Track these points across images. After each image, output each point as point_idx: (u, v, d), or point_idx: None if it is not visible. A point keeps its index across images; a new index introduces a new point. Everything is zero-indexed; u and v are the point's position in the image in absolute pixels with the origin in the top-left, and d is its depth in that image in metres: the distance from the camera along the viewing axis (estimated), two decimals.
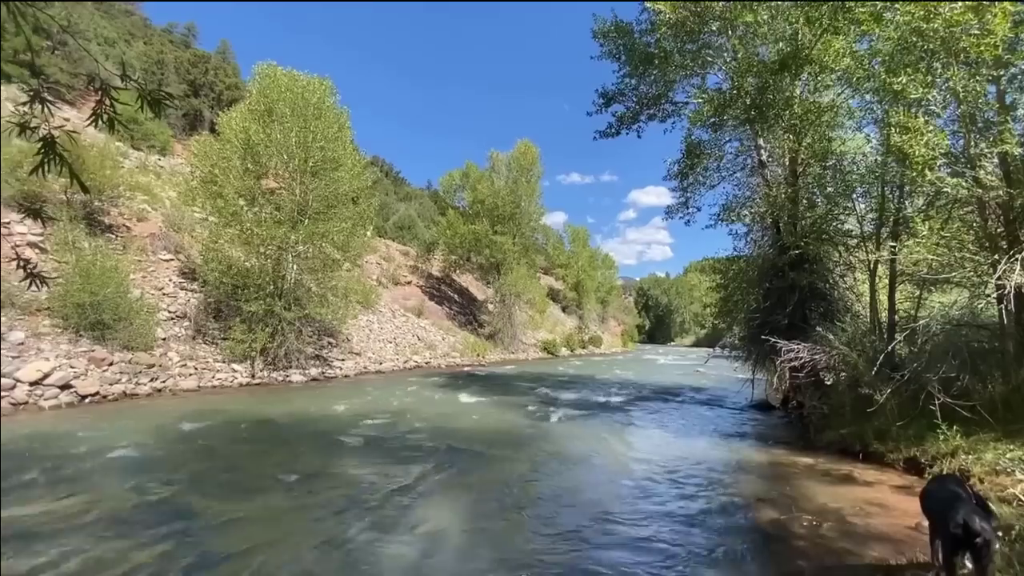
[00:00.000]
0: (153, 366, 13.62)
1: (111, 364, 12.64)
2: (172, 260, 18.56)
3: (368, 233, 22.77)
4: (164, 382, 13.43)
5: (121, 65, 1.97)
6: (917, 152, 7.11)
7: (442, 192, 45.36)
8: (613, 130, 13.65)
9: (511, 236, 36.29)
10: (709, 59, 12.22)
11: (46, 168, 1.93)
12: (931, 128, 7.34)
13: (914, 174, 7.35)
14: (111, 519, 5.16)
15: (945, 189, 7.37)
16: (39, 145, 2.04)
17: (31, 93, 1.89)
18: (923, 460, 7.14)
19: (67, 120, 2.13)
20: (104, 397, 11.72)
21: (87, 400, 11.35)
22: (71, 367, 11.70)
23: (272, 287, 16.87)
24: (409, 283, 35.34)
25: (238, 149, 16.90)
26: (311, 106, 17.69)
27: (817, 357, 9.21)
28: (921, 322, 8.65)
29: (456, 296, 39.67)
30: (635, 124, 13.49)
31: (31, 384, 10.70)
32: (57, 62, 27.83)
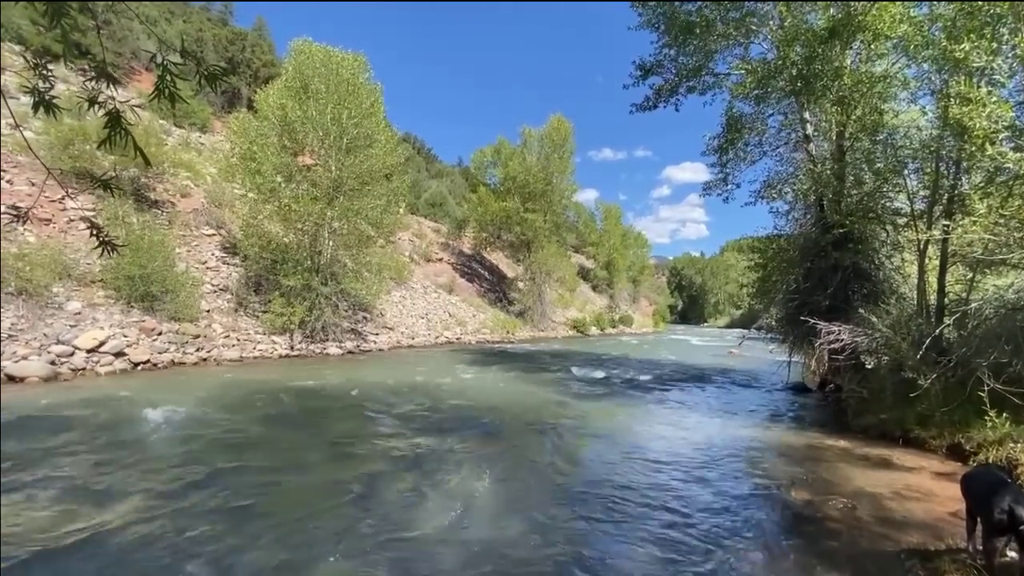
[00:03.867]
0: (198, 336, 14.26)
1: (160, 334, 13.29)
2: (214, 235, 19.20)
3: (401, 210, 23.00)
4: (209, 352, 14.06)
5: (180, 42, 2.04)
6: (978, 125, 6.68)
7: (473, 169, 45.19)
8: (650, 103, 13.29)
9: (542, 213, 36.03)
10: (753, 27, 11.69)
11: (113, 142, 2.03)
12: (995, 99, 6.87)
13: (973, 148, 6.93)
14: (158, 481, 5.50)
15: (1007, 165, 6.93)
16: (99, 120, 2.14)
17: (96, 71, 1.98)
18: (968, 447, 6.92)
19: (117, 99, 2.22)
20: (155, 365, 12.36)
21: (139, 367, 12.00)
22: (124, 336, 12.35)
23: (309, 262, 17.32)
24: (440, 260, 35.66)
25: (275, 126, 17.23)
26: (345, 82, 17.80)
27: (859, 340, 8.93)
28: (973, 305, 8.26)
29: (486, 273, 39.88)
30: (673, 97, 13.09)
31: (88, 351, 11.36)
32: (99, 40, 28.60)
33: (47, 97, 1.90)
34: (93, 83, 2.01)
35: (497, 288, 38.21)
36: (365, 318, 21.20)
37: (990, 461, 6.12)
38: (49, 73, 1.95)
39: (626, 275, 56.79)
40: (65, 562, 3.79)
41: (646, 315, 62.47)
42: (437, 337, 24.60)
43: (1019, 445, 6.26)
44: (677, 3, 12.01)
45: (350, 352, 17.78)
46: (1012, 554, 3.58)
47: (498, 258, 42.89)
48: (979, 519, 3.82)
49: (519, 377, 14.72)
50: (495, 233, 38.02)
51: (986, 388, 6.81)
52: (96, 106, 2.04)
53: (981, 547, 3.76)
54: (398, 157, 20.66)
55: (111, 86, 2.00)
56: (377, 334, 20.75)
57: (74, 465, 5.74)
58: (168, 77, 1.94)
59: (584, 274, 54.14)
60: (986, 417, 6.67)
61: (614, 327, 46.92)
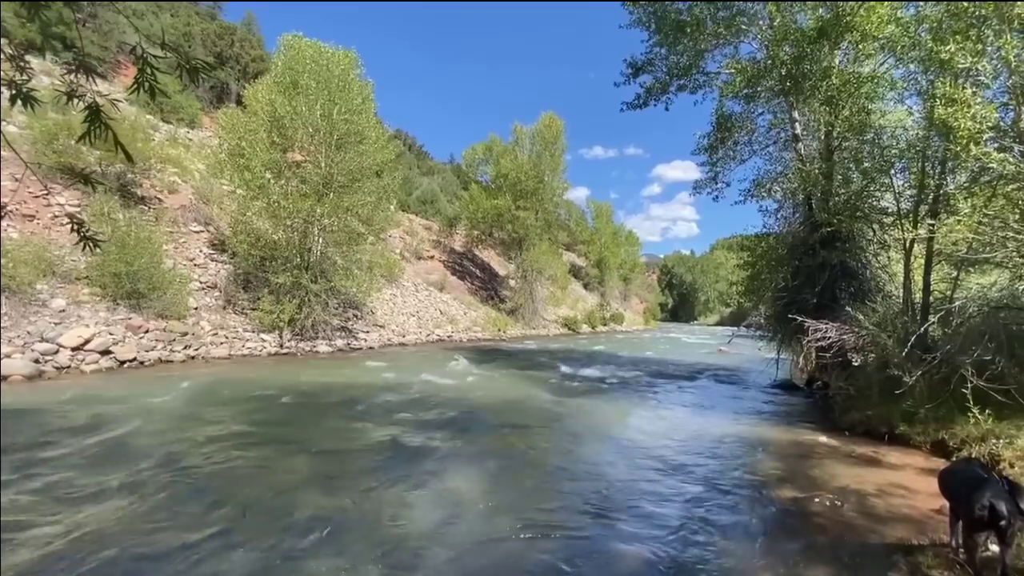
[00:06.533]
0: (186, 334, 14.11)
1: (147, 331, 13.14)
2: (202, 232, 19.01)
3: (392, 207, 22.89)
4: (197, 350, 13.93)
5: (161, 35, 2.00)
6: (963, 125, 6.76)
7: (465, 166, 45.06)
8: (640, 101, 13.34)
9: (534, 211, 36.01)
10: (743, 27, 11.76)
11: (93, 136, 2.00)
12: (979, 100, 6.97)
13: (958, 149, 7.02)
14: (145, 480, 5.44)
15: (991, 165, 7.03)
16: (84, 115, 2.10)
17: (75, 64, 1.95)
18: (951, 443, 7.02)
19: (99, 92, 2.18)
20: (141, 363, 12.23)
21: (125, 365, 11.86)
22: (110, 334, 12.20)
23: (299, 259, 17.20)
24: (432, 258, 35.57)
25: (264, 122, 17.06)
26: (336, 78, 17.67)
27: (845, 337, 9.03)
28: (957, 303, 8.38)
29: (478, 271, 39.83)
30: (664, 95, 13.15)
31: (73, 349, 11.21)
32: (87, 34, 28.18)
33: (24, 90, 1.87)
34: (73, 76, 1.97)
35: (489, 286, 38.18)
36: (355, 316, 21.09)
37: (972, 457, 6.21)
38: (26, 65, 1.91)
39: (617, 273, 56.93)
40: (46, 566, 3.74)
41: (637, 313, 62.74)
42: (428, 335, 24.54)
43: (1001, 441, 6.37)
44: (668, 2, 12.06)
45: (340, 350, 17.69)
46: (993, 547, 3.65)
47: (490, 256, 42.85)
48: (960, 514, 3.88)
49: (510, 375, 14.73)
50: (487, 231, 37.95)
51: (969, 385, 6.92)
52: (76, 100, 2.00)
53: (962, 541, 3.83)
54: (389, 154, 20.55)
55: (91, 79, 1.96)
56: (368, 332, 20.66)
57: (54, 465, 5.66)
58: (149, 71, 1.90)
59: (575, 272, 54.24)
60: (969, 414, 6.78)
61: (605, 325, 47.05)
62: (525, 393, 11.85)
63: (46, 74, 18.56)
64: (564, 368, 16.55)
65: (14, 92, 1.88)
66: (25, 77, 1.92)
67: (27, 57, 2.13)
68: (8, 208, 12.08)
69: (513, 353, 21.40)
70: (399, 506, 5.03)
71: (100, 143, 2.16)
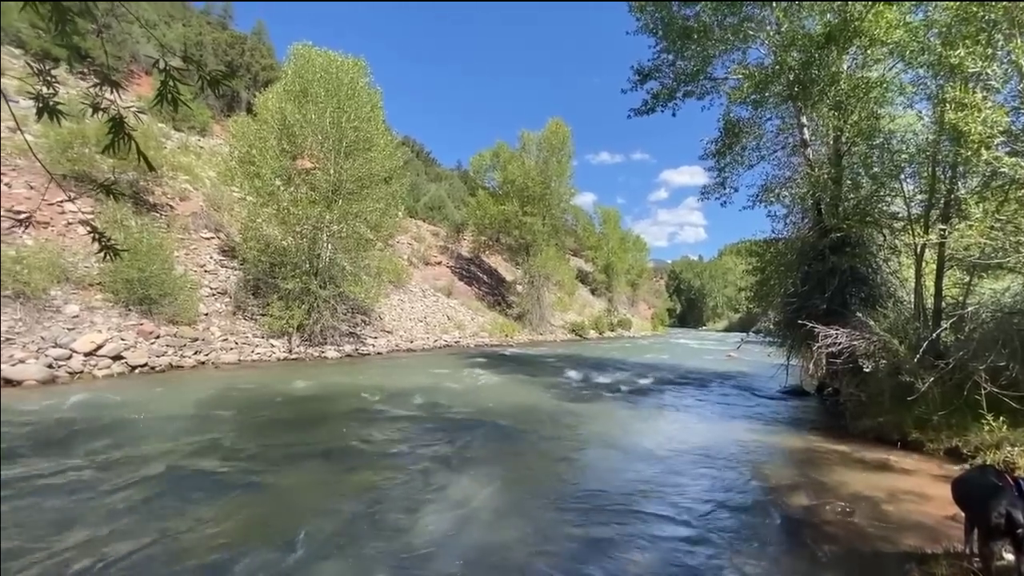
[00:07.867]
0: (196, 340, 14.25)
1: (158, 337, 13.28)
2: (213, 238, 19.21)
3: (400, 213, 23.02)
4: (207, 355, 14.04)
5: (183, 47, 2.05)
6: (973, 130, 6.73)
7: (472, 172, 45.28)
8: (647, 108, 13.30)
9: (540, 217, 36.08)
10: (751, 32, 11.73)
11: (117, 148, 2.05)
12: (989, 104, 6.92)
13: (969, 153, 6.97)
14: (158, 485, 5.49)
15: (1002, 169, 6.98)
16: (97, 123, 2.15)
17: (100, 77, 2.00)
18: (965, 450, 6.95)
19: (123, 106, 2.23)
20: (152, 368, 12.35)
21: (137, 371, 11.98)
22: (122, 339, 12.34)
23: (308, 265, 17.33)
24: (439, 263, 35.70)
25: (274, 129, 17.27)
26: (345, 86, 17.85)
27: (856, 343, 8.95)
28: (969, 309, 8.29)
29: (485, 277, 39.91)
30: (671, 101, 13.09)
31: (86, 355, 11.35)
32: (100, 44, 28.56)
33: (51, 103, 1.92)
34: (97, 89, 2.02)
35: (496, 291, 38.23)
36: (363, 321, 21.19)
37: (986, 464, 6.13)
38: (53, 79, 1.96)
39: (625, 278, 56.78)
40: (46, 568, 3.78)
41: (645, 318, 62.50)
42: (436, 340, 24.58)
43: (1016, 448, 6.29)
44: (675, 8, 12.06)
45: (348, 355, 17.77)
46: (1009, 556, 3.60)
47: (497, 261, 42.92)
48: (975, 523, 3.84)
49: (517, 381, 14.72)
50: (494, 236, 38.08)
51: (983, 391, 6.84)
52: (100, 112, 2.05)
53: (977, 550, 3.79)
54: (397, 161, 20.70)
55: (114, 91, 2.02)
56: (376, 337, 20.74)
57: (58, 468, 5.73)
58: (171, 83, 1.95)
59: (583, 277, 54.18)
60: (983, 420, 6.70)
61: (613, 330, 46.91)
62: (534, 400, 11.83)
63: (61, 83, 18.86)
64: (572, 374, 16.52)
65: (41, 105, 1.94)
66: (52, 91, 1.97)
67: (51, 71, 2.18)
68: (31, 216, 12.26)
69: (521, 359, 21.39)
70: (407, 512, 5.04)
71: (117, 152, 2.21)
